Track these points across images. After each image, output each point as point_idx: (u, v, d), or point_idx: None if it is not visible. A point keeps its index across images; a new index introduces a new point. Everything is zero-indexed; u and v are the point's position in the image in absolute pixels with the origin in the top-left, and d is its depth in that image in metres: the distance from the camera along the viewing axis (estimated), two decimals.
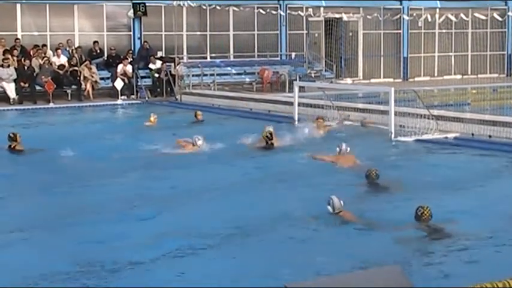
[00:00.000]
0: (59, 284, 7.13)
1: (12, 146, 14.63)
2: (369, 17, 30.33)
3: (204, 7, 28.66)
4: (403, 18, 30.94)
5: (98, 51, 27.09)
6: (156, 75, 26.66)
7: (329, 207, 9.13)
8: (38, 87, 24.86)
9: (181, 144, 14.94)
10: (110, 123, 20.59)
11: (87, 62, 25.89)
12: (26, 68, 24.82)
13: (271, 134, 14.60)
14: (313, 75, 28.58)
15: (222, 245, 8.36)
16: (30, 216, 9.77)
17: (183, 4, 27.86)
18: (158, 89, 26.79)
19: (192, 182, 11.84)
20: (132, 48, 27.88)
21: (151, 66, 26.93)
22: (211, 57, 29.33)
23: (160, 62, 26.86)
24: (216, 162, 13.74)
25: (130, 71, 26.43)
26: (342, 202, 9.17)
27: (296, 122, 18.51)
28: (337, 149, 13.19)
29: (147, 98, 26.02)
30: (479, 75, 33.22)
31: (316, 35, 31.45)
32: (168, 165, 13.42)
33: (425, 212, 8.65)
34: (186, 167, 13.23)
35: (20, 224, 9.37)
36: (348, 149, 13.12)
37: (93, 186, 11.77)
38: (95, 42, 27.19)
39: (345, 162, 12.86)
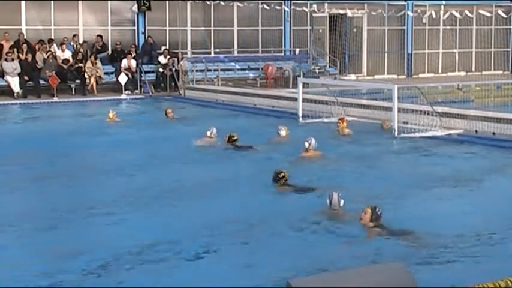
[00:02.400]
0: (59, 284, 7.08)
1: None
2: (373, 13, 30.31)
3: (208, 2, 28.70)
4: (408, 15, 30.91)
5: (101, 44, 27.09)
6: (161, 70, 26.68)
7: (327, 201, 9.12)
8: (42, 82, 24.90)
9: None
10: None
11: (91, 57, 25.88)
12: (29, 62, 24.83)
13: (231, 137, 14.33)
14: (317, 71, 28.59)
15: (220, 246, 8.22)
16: (28, 211, 9.79)
17: None
18: (162, 84, 26.82)
19: (175, 180, 11.68)
20: (136, 43, 27.89)
21: (160, 59, 26.91)
22: (215, 53, 29.34)
23: (168, 57, 26.83)
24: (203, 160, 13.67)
25: (135, 65, 26.44)
26: (341, 201, 9.13)
27: (300, 118, 18.51)
28: (306, 144, 13.17)
29: (150, 93, 26.03)
30: (484, 72, 33.21)
31: (320, 30, 31.44)
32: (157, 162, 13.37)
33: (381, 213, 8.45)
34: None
35: (29, 218, 9.38)
36: (316, 144, 13.12)
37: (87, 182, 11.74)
38: (97, 36, 27.17)
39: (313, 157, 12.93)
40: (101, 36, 27.21)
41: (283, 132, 15.05)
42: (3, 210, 9.90)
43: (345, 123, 16.33)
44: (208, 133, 14.97)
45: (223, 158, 13.68)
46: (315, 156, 13.07)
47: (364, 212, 8.49)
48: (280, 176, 10.71)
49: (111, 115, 18.66)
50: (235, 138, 14.37)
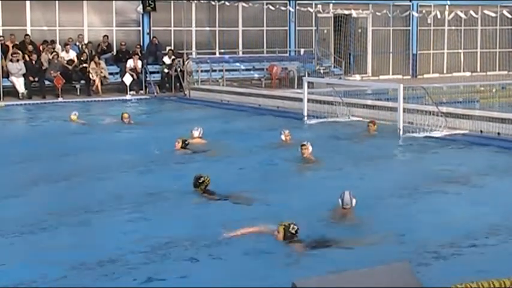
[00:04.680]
0: (56, 284, 7.06)
1: None
2: (378, 13, 30.31)
3: (213, 3, 28.72)
4: (413, 15, 30.88)
5: (106, 44, 27.12)
6: (166, 70, 26.71)
7: (339, 201, 9.11)
8: (47, 82, 24.95)
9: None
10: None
11: (95, 58, 25.89)
12: (34, 62, 24.89)
13: (184, 141, 14.02)
14: (322, 71, 28.61)
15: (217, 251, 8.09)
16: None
17: None
18: (167, 85, 26.85)
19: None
20: (141, 44, 27.92)
21: (165, 59, 26.92)
22: (220, 53, 29.36)
23: (172, 58, 26.85)
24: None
25: (140, 66, 26.47)
26: (353, 200, 9.13)
27: (305, 118, 18.51)
28: (303, 150, 12.85)
29: (155, 94, 26.05)
30: (488, 73, 33.17)
31: (325, 31, 31.45)
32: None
33: (296, 230, 7.99)
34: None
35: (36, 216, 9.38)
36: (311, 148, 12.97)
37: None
38: (104, 36, 27.22)
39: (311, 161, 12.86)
40: (107, 37, 27.25)
41: (283, 137, 14.82)
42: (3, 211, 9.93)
43: (376, 126, 16.21)
44: (195, 133, 14.83)
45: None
46: (312, 161, 12.95)
47: (277, 231, 8.07)
48: (200, 181, 10.27)
49: (73, 117, 18.62)
50: (188, 142, 14.05)
